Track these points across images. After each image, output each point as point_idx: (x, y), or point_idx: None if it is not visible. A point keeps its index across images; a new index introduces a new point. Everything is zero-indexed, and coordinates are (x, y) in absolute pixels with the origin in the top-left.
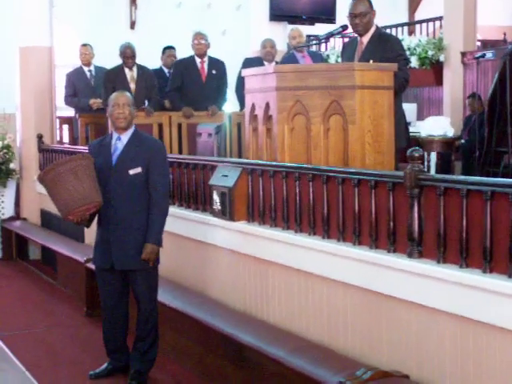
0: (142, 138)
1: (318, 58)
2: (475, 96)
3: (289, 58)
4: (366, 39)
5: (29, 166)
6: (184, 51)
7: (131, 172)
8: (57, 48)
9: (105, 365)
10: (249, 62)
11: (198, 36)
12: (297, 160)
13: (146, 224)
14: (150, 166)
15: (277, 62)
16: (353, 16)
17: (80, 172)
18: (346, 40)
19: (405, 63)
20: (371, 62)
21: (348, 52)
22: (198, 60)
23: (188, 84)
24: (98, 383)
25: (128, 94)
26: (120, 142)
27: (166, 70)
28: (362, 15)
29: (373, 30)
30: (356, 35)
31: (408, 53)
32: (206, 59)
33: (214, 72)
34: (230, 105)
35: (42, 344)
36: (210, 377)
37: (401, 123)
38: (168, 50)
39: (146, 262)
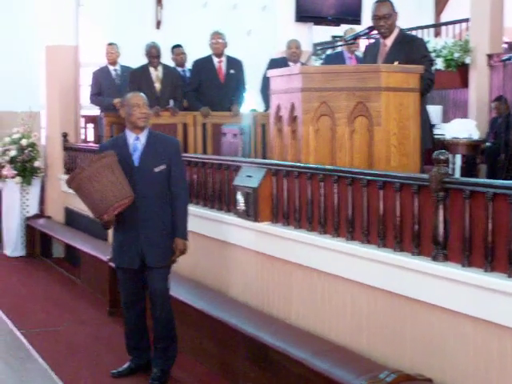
0: (159, 136)
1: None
2: (501, 99)
3: (337, 55)
4: (389, 41)
5: (53, 164)
6: (209, 51)
7: (156, 170)
8: (82, 47)
9: (127, 364)
10: (274, 63)
11: (216, 35)
12: (321, 161)
13: (170, 219)
14: (171, 163)
15: (302, 63)
16: (377, 18)
17: (114, 166)
18: (371, 41)
19: (430, 64)
20: (396, 63)
21: (370, 55)
22: (215, 60)
23: (206, 84)
24: (119, 382)
25: (142, 94)
26: (139, 141)
27: (179, 69)
28: (386, 17)
29: (396, 31)
30: (377, 38)
31: (434, 55)
32: (223, 58)
33: (232, 71)
34: (254, 104)
35: (64, 342)
36: (231, 377)
37: (426, 125)
38: (176, 48)
39: (169, 258)
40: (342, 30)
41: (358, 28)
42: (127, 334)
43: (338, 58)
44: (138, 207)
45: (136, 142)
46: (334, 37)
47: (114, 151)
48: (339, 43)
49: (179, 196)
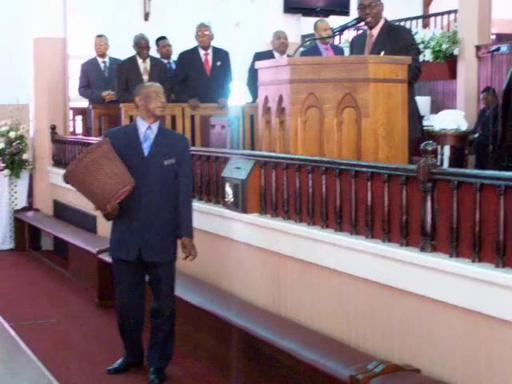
0: (169, 130)
1: (339, 51)
2: (489, 90)
3: (312, 49)
4: (375, 31)
5: (42, 156)
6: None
7: (166, 162)
8: (70, 39)
9: (120, 359)
10: (259, 56)
11: (202, 27)
12: (309, 153)
13: (174, 215)
14: (180, 159)
15: (288, 55)
16: (362, 7)
17: (111, 154)
18: (359, 32)
19: (416, 53)
20: (382, 53)
21: (358, 46)
22: (202, 52)
23: (192, 77)
24: (115, 378)
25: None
26: (151, 131)
27: (164, 61)
28: (371, 6)
29: (382, 22)
30: (363, 31)
31: (422, 46)
32: (210, 51)
33: (218, 64)
34: (242, 97)
35: (54, 334)
36: (224, 370)
37: (414, 114)
38: (161, 40)
39: (172, 254)
40: (331, 21)
41: (333, 21)
42: (122, 332)
43: (312, 52)
44: (142, 198)
45: (148, 131)
46: (303, 36)
47: (122, 138)
48: (325, 35)
49: (186, 195)
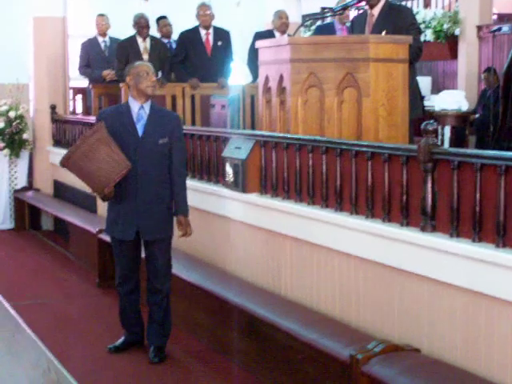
0: (160, 108)
1: None
2: (491, 70)
3: (328, 26)
4: (376, 11)
5: (42, 136)
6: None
7: (160, 141)
8: (70, 18)
9: (122, 338)
10: (260, 36)
11: (203, 7)
12: (310, 132)
13: (169, 194)
14: (173, 137)
15: (289, 35)
16: None
17: (108, 139)
18: (360, 12)
19: (417, 32)
20: (383, 33)
21: (358, 26)
22: (203, 32)
23: (193, 57)
24: (115, 357)
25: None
26: (143, 110)
27: (165, 41)
28: None
29: (383, 1)
30: (364, 10)
31: (423, 26)
32: (210, 31)
33: (219, 43)
34: (242, 76)
35: (54, 314)
36: (222, 349)
37: (416, 94)
38: (161, 20)
39: (169, 231)
40: (331, 0)
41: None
42: (121, 310)
43: (328, 29)
44: (138, 179)
45: (141, 111)
46: (322, 8)
47: (116, 118)
48: (328, 14)
49: (180, 173)
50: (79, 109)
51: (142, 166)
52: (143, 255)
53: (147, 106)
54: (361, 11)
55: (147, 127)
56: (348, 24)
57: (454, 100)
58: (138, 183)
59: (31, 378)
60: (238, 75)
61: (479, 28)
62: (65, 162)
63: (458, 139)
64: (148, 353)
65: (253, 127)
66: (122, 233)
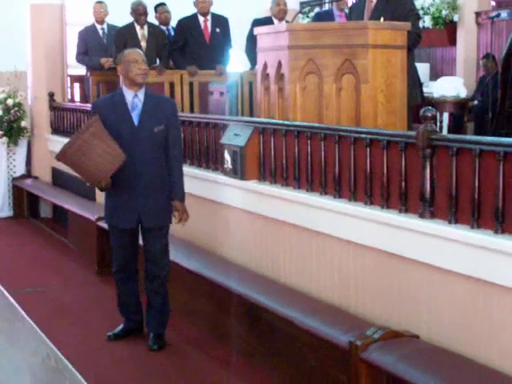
0: (155, 95)
1: None
2: (489, 57)
3: (327, 13)
4: None
5: (40, 124)
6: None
7: (156, 129)
8: (68, 6)
9: (121, 326)
10: (258, 23)
11: None
12: (308, 119)
13: (167, 180)
14: (169, 123)
15: (287, 21)
16: None
17: (102, 133)
18: None
19: (416, 18)
20: (382, 19)
21: (356, 12)
22: (201, 19)
23: (192, 44)
24: (115, 344)
25: (139, 50)
26: (137, 99)
27: (163, 28)
28: None
29: None
30: None
31: (421, 12)
32: (209, 17)
33: (217, 30)
34: (240, 64)
35: (53, 302)
36: (221, 336)
37: (414, 80)
38: (160, 6)
39: (169, 219)
40: None
41: None
42: (119, 297)
43: (327, 16)
44: (136, 168)
45: (135, 99)
46: (301, 2)
47: (111, 108)
48: (326, 0)
49: (176, 159)
50: (77, 96)
51: (138, 155)
52: (141, 242)
53: (141, 94)
54: None
55: (142, 116)
56: (346, 10)
57: (452, 86)
58: (136, 172)
59: (31, 366)
60: (236, 62)
61: (478, 14)
62: (60, 157)
63: (456, 126)
64: (147, 340)
65: (251, 114)
66: (123, 221)
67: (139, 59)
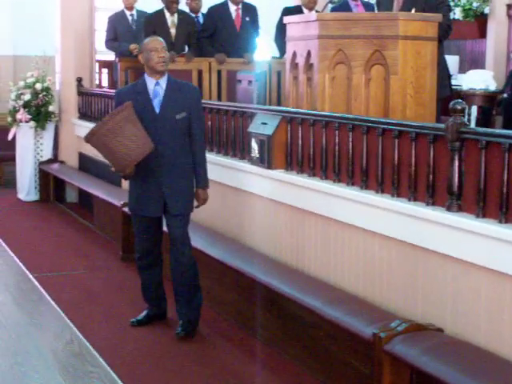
0: (178, 82)
1: (370, 8)
2: None
3: (342, 5)
4: None
5: (68, 109)
6: None
7: (178, 117)
8: None
9: (145, 312)
10: (288, 11)
11: None
12: (336, 110)
13: (191, 167)
14: (192, 110)
15: (317, 11)
16: None
17: (134, 118)
18: None
19: (447, 10)
20: (413, 11)
21: (385, 3)
22: (232, 7)
23: (222, 32)
24: (138, 330)
25: (160, 38)
26: (159, 86)
27: (192, 16)
28: None
29: None
30: None
31: (452, 4)
32: (240, 6)
33: (247, 19)
34: (267, 52)
35: (78, 286)
36: (244, 325)
37: (444, 72)
38: None
39: (192, 207)
40: None
41: None
42: (143, 284)
43: (343, 8)
44: (160, 155)
45: (157, 87)
46: None
47: (133, 97)
48: None
49: (200, 146)
50: (105, 82)
51: (162, 143)
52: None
53: (163, 82)
54: None
55: (164, 103)
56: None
57: (481, 79)
58: (159, 160)
59: (54, 349)
60: (264, 51)
61: (509, 6)
62: (90, 138)
63: (484, 119)
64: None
65: (279, 103)
66: (149, 210)
67: (159, 47)
